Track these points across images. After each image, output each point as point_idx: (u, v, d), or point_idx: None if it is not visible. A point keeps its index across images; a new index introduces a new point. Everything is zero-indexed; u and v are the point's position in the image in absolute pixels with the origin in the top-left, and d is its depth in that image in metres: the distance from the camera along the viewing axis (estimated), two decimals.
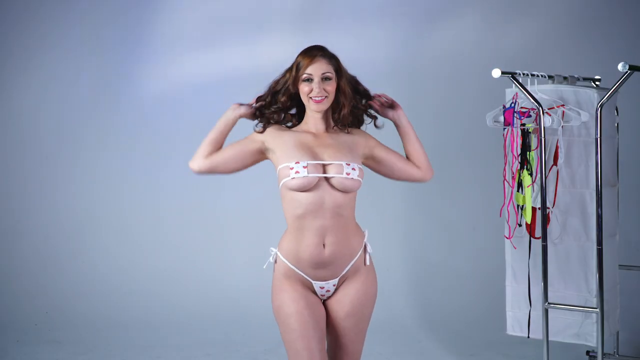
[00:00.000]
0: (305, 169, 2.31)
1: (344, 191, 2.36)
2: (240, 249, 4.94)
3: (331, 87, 2.40)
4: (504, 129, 3.37)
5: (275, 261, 2.44)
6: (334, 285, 2.44)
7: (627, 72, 3.03)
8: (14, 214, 5.18)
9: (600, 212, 3.16)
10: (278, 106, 2.45)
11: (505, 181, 3.40)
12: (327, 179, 2.34)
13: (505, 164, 3.39)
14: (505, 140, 3.38)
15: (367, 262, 2.48)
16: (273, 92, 2.46)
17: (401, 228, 4.91)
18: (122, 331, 4.54)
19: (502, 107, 3.40)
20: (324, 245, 2.36)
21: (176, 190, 5.10)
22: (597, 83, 3.65)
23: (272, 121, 2.47)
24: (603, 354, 3.15)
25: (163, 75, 5.17)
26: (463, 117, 4.77)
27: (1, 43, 5.21)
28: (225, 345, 4.30)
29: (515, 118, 3.29)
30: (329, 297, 2.47)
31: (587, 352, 3.80)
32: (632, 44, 4.55)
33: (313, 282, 2.41)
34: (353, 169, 2.36)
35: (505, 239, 3.49)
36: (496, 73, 3.19)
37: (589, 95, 3.28)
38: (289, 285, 2.40)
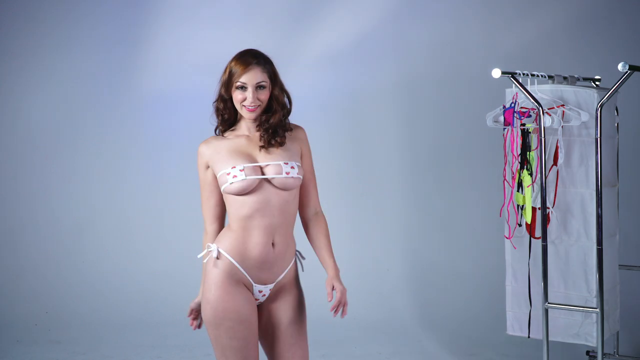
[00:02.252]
0: (242, 172, 2.32)
1: (288, 189, 2.37)
2: None
3: (265, 95, 2.39)
4: (504, 129, 3.37)
5: (218, 258, 2.37)
6: (270, 290, 2.42)
7: (627, 72, 3.03)
8: (14, 214, 5.18)
9: (600, 212, 3.16)
10: (222, 114, 2.47)
11: (505, 181, 3.41)
12: (268, 180, 2.35)
13: (505, 164, 3.40)
14: (505, 140, 3.38)
15: (302, 270, 2.51)
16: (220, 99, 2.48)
17: (401, 228, 4.91)
18: (122, 331, 4.54)
19: (502, 107, 3.40)
20: (273, 244, 2.37)
21: (176, 190, 5.10)
22: (597, 83, 3.65)
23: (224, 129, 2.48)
24: (603, 354, 3.15)
25: (162, 76, 5.17)
26: (463, 117, 4.77)
27: (1, 43, 5.21)
28: None
29: (515, 118, 3.29)
30: (262, 303, 2.45)
31: (587, 352, 3.80)
32: (632, 44, 4.55)
33: (254, 284, 2.39)
34: (292, 167, 2.36)
35: (505, 239, 3.49)
36: (496, 73, 3.19)
37: (589, 95, 3.28)
38: (234, 287, 2.36)
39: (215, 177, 2.42)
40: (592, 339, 3.30)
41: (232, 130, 2.48)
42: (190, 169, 5.09)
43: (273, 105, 2.41)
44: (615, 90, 3.12)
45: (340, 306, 2.38)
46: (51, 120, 5.20)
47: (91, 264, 5.05)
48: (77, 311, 4.80)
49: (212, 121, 2.52)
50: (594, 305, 3.24)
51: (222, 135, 2.48)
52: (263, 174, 2.34)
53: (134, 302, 4.84)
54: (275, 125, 2.40)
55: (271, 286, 2.41)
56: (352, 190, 4.95)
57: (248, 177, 2.31)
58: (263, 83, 2.38)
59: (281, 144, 2.39)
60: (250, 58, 2.40)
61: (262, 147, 2.39)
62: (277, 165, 2.35)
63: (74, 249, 5.10)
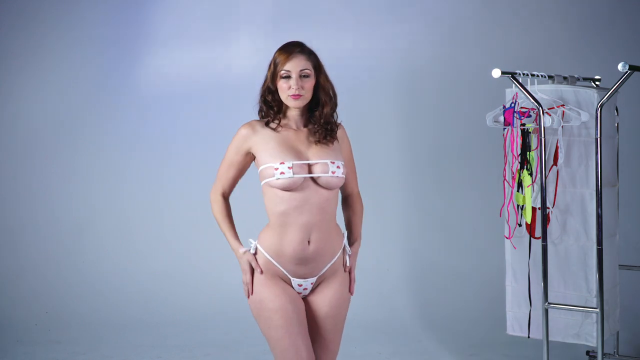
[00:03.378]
0: (291, 170, 2.32)
1: (329, 189, 2.38)
2: None
3: (309, 84, 2.39)
4: (504, 129, 3.37)
5: (255, 253, 2.43)
6: (311, 284, 2.43)
7: (627, 72, 3.03)
8: (13, 214, 5.18)
9: (600, 212, 3.16)
10: (271, 105, 2.44)
11: (505, 181, 3.41)
12: (313, 178, 2.35)
13: (505, 164, 3.39)
14: (505, 140, 3.38)
15: (348, 264, 2.50)
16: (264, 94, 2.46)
17: (401, 228, 4.91)
18: (122, 331, 4.54)
19: (502, 107, 3.40)
20: (309, 241, 2.37)
21: (176, 190, 5.11)
22: (597, 83, 3.65)
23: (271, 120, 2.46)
24: (603, 354, 3.15)
25: (162, 75, 5.17)
26: (463, 117, 4.77)
27: (1, 43, 5.21)
28: (225, 345, 4.30)
29: (515, 118, 3.29)
30: (306, 296, 2.47)
31: (587, 352, 3.80)
32: (632, 44, 4.55)
33: (292, 278, 2.41)
34: (338, 166, 2.37)
35: (505, 239, 3.49)
36: (496, 73, 3.19)
37: (589, 95, 3.28)
38: (269, 280, 2.40)
39: (249, 162, 2.46)
40: (592, 339, 3.30)
41: (278, 121, 2.44)
42: (191, 168, 5.11)
43: (321, 97, 2.42)
44: (615, 90, 3.12)
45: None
46: (51, 120, 5.20)
47: (91, 264, 5.05)
48: (77, 311, 4.80)
49: (255, 107, 2.48)
50: (594, 305, 3.24)
51: (268, 126, 2.44)
52: (310, 171, 2.35)
53: (134, 302, 4.84)
54: (328, 116, 2.41)
55: (313, 280, 2.42)
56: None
57: (295, 175, 2.32)
58: (307, 71, 2.38)
59: (332, 141, 2.42)
60: (293, 47, 2.40)
61: (317, 141, 2.39)
62: (324, 163, 2.36)
63: (74, 249, 5.10)
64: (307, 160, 2.36)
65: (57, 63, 5.20)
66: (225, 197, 2.57)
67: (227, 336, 4.44)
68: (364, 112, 4.87)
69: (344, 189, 2.57)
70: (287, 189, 2.33)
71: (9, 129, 5.22)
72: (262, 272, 2.40)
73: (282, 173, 2.31)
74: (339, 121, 2.50)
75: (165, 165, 5.15)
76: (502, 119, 3.37)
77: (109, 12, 5.19)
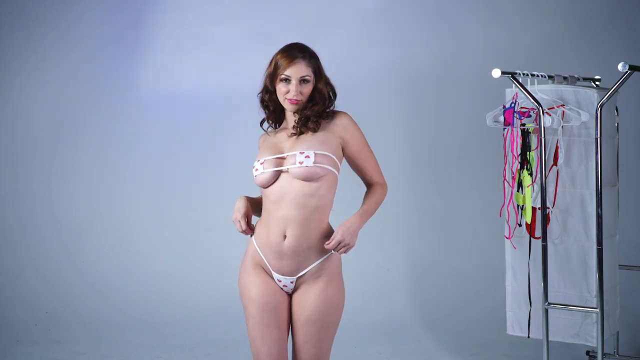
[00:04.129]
0: (262, 165, 2.38)
1: (304, 180, 2.35)
2: (241, 248, 4.92)
3: (308, 89, 2.41)
4: (504, 129, 3.37)
5: (249, 244, 2.51)
6: (291, 283, 2.43)
7: (627, 72, 3.03)
8: (13, 214, 5.18)
9: (600, 212, 3.16)
10: (267, 104, 2.49)
11: (505, 181, 3.41)
12: (286, 171, 2.37)
13: (505, 164, 3.40)
14: (505, 140, 3.38)
15: (334, 270, 2.43)
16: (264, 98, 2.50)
17: (401, 228, 4.90)
18: (122, 331, 4.54)
19: (502, 107, 3.40)
20: (284, 236, 2.38)
21: (176, 190, 5.11)
22: (597, 83, 3.65)
23: (271, 123, 2.53)
24: (603, 354, 3.15)
25: (162, 76, 5.17)
26: (463, 117, 4.77)
27: (1, 43, 5.21)
28: (225, 345, 4.31)
29: (515, 118, 3.29)
30: (290, 294, 2.47)
31: (587, 352, 3.80)
32: (632, 44, 4.55)
33: (273, 272, 2.43)
34: (307, 156, 2.33)
35: (505, 239, 3.49)
36: (496, 73, 3.19)
37: (589, 95, 3.27)
38: (253, 269, 2.46)
39: None
40: (592, 339, 3.30)
41: (272, 122, 2.53)
42: (191, 169, 5.11)
43: (315, 98, 2.43)
44: (615, 90, 3.12)
45: (336, 244, 2.34)
46: (51, 120, 5.20)
47: (91, 264, 5.05)
48: (77, 311, 4.80)
49: (261, 113, 2.54)
50: (594, 305, 3.24)
51: (262, 126, 2.54)
52: (281, 165, 2.38)
53: (134, 302, 4.84)
54: (314, 113, 2.42)
55: (292, 279, 2.42)
56: (352, 190, 4.93)
57: (266, 170, 2.37)
58: (307, 77, 2.40)
59: (314, 131, 2.40)
60: (296, 52, 2.40)
61: (293, 134, 2.41)
62: (292, 155, 2.36)
63: (74, 249, 5.10)
64: (281, 153, 2.40)
65: (57, 63, 5.20)
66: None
67: (227, 336, 4.44)
68: (364, 112, 4.83)
69: (363, 179, 2.55)
70: (263, 185, 2.39)
71: (9, 129, 5.22)
72: (243, 227, 2.45)
73: (256, 170, 2.40)
74: (341, 110, 2.50)
75: (165, 165, 5.15)
76: (502, 119, 3.37)
77: (109, 12, 5.19)
